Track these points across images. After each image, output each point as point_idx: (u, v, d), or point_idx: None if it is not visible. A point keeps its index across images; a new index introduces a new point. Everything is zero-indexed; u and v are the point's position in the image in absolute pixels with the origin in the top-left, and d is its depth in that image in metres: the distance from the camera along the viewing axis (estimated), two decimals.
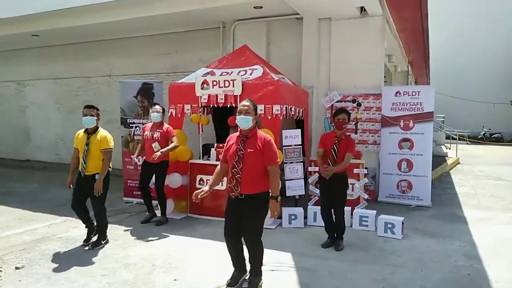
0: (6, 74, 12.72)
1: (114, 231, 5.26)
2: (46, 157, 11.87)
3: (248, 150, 3.33)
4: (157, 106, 5.76)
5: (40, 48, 11.67)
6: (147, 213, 5.80)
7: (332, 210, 4.70)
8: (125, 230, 5.33)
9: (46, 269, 3.97)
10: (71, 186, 4.59)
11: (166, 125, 5.70)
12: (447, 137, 17.74)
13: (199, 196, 3.37)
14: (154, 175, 5.66)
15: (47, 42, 11.11)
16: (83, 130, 4.63)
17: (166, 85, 7.10)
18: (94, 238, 4.73)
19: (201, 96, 6.05)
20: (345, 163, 4.53)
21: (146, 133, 5.67)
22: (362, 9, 7.16)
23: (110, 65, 10.74)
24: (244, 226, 3.40)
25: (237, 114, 3.44)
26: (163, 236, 5.10)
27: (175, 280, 3.75)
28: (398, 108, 7.07)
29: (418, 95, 6.97)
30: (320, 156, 4.71)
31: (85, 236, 4.81)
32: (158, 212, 5.84)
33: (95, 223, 4.77)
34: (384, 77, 7.94)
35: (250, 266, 3.55)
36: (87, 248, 4.59)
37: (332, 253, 4.52)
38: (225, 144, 3.59)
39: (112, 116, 8.47)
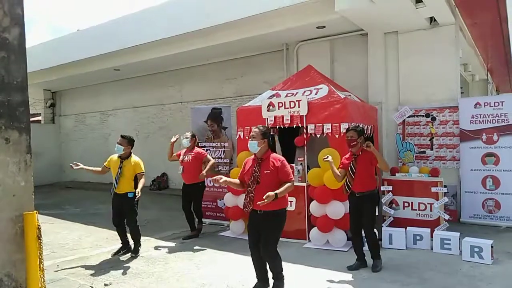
0: (93, 106, 14.18)
1: (189, 251, 5.48)
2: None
3: (265, 171, 3.71)
4: (187, 133, 6.27)
5: (120, 80, 12.89)
6: (191, 232, 6.21)
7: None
8: (199, 251, 5.52)
9: (130, 286, 4.24)
10: (73, 165, 5.37)
11: (197, 149, 6.21)
12: None
13: (217, 178, 3.72)
14: (191, 195, 6.13)
15: (126, 75, 12.24)
16: (116, 155, 5.34)
17: (234, 108, 7.38)
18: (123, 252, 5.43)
19: (267, 118, 6.17)
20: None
21: (181, 157, 6.14)
22: (432, 19, 6.85)
23: (181, 92, 11.47)
24: (262, 239, 3.73)
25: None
26: (235, 256, 5.19)
27: None
28: (479, 121, 6.53)
29: (502, 105, 6.39)
30: (341, 177, 4.63)
31: (170, 258, 5.18)
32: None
33: (130, 239, 5.45)
34: (461, 88, 7.42)
35: (272, 273, 3.82)
36: (129, 256, 5.28)
37: (411, 277, 4.23)
38: (243, 166, 3.99)
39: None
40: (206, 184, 6.39)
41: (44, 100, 15.38)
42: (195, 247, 5.64)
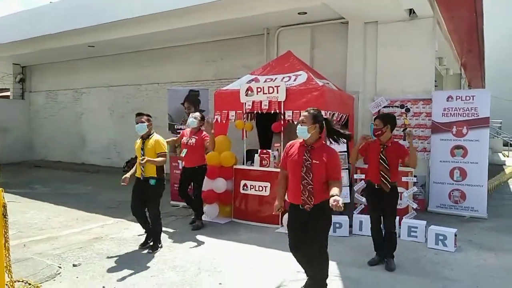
0: (65, 83, 13.69)
1: (162, 233, 5.44)
2: (99, 161, 12.59)
3: (314, 161, 3.21)
4: (196, 113, 5.91)
5: (94, 58, 12.45)
6: (195, 216, 5.93)
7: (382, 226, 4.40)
8: (171, 233, 5.50)
9: (100, 267, 4.19)
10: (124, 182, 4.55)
11: (203, 133, 5.77)
12: (505, 144, 16.58)
13: (277, 211, 3.43)
14: (192, 180, 5.82)
15: (101, 52, 11.83)
16: (139, 138, 4.81)
17: (211, 92, 7.28)
18: (151, 243, 4.86)
19: (245, 103, 6.12)
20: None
21: (184, 138, 5.84)
22: (411, 11, 6.92)
23: (158, 73, 11.21)
24: (308, 236, 3.30)
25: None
26: (208, 240, 5.21)
27: (220, 284, 3.81)
28: (450, 114, 6.72)
29: (473, 99, 6.59)
30: (355, 159, 4.53)
31: (141, 240, 5.00)
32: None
33: (152, 233, 4.88)
34: (435, 81, 7.60)
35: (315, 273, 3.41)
36: (146, 252, 4.71)
37: (379, 264, 4.37)
38: (284, 152, 3.49)
39: (160, 122, 8.80)
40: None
41: (13, 74, 14.68)
42: (167, 230, 5.61)
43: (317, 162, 3.21)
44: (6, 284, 3.38)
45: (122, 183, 4.50)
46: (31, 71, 14.89)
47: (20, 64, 14.64)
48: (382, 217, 4.38)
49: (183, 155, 5.77)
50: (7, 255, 3.38)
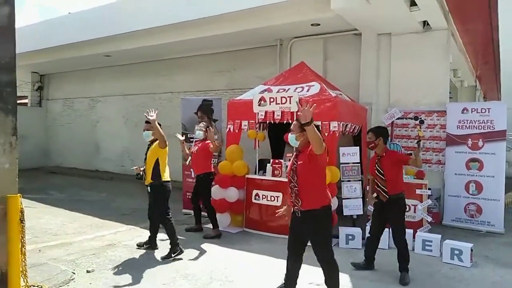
0: (82, 91, 13.97)
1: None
2: (113, 168, 12.74)
3: (299, 162, 3.32)
4: (201, 124, 6.11)
5: (110, 67, 12.70)
6: (195, 224, 6.10)
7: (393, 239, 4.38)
8: (183, 241, 5.48)
9: (113, 274, 4.22)
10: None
11: (206, 142, 5.90)
12: None
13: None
14: (198, 187, 5.97)
15: (116, 62, 12.07)
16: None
17: (224, 101, 7.35)
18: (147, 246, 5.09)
19: (258, 113, 6.16)
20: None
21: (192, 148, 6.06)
22: (425, 23, 6.92)
23: (172, 82, 11.37)
24: (311, 242, 3.38)
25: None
26: (220, 249, 5.21)
27: None
28: (466, 126, 6.64)
29: (489, 112, 6.51)
30: (372, 182, 4.50)
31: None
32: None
33: (167, 236, 4.92)
34: (450, 92, 7.53)
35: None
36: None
37: (391, 277, 4.30)
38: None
39: (173, 131, 8.90)
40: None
41: (32, 82, 15.06)
42: (180, 238, 5.62)
43: (301, 162, 3.29)
44: None
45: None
46: (48, 80, 15.26)
47: (38, 72, 15.02)
48: (382, 230, 4.50)
49: (188, 164, 6.06)
50: (23, 259, 3.44)
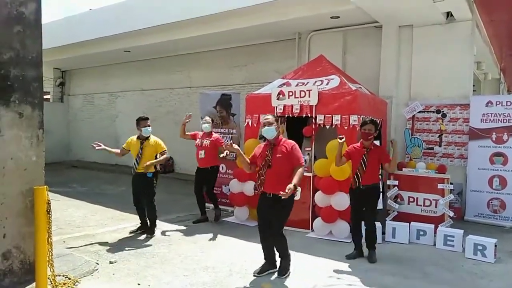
0: (101, 87, 14.22)
1: (193, 234, 5.55)
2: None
3: (277, 155, 3.86)
4: (207, 118, 6.29)
5: (129, 62, 12.87)
6: (200, 216, 6.25)
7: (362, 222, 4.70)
8: (202, 234, 5.57)
9: (135, 265, 4.31)
10: (95, 145, 5.44)
11: (215, 135, 6.25)
12: None
13: (234, 147, 4.05)
14: (205, 179, 6.16)
15: (135, 57, 12.23)
16: (135, 136, 5.45)
17: (243, 95, 7.36)
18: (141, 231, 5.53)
19: (276, 107, 6.14)
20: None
21: (197, 141, 6.17)
22: (449, 14, 6.74)
23: (190, 77, 11.45)
24: (272, 221, 3.95)
25: (261, 127, 4.08)
26: (239, 242, 5.25)
27: (252, 286, 3.82)
28: (490, 120, 6.47)
29: None
30: (341, 163, 4.70)
31: (172, 239, 5.28)
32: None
33: (148, 220, 5.49)
34: (473, 86, 7.34)
35: (279, 253, 4.09)
36: (143, 237, 5.35)
37: (413, 271, 4.26)
38: (254, 150, 4.16)
39: (192, 126, 8.97)
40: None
41: (54, 78, 15.43)
42: (199, 231, 5.70)
43: (280, 156, 3.88)
44: (48, 278, 3.53)
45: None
46: (70, 75, 15.59)
47: (60, 68, 15.37)
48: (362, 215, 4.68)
49: (202, 157, 6.10)
50: (50, 249, 3.54)
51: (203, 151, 6.09)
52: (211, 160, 6.11)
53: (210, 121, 6.24)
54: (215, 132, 7.17)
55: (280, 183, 3.75)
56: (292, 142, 4.03)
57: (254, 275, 4.01)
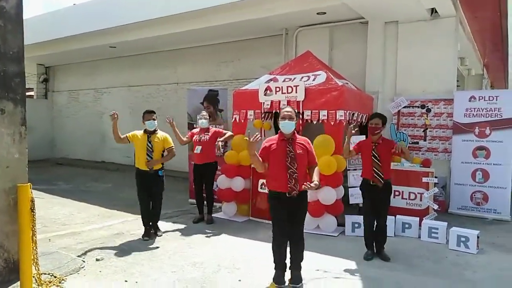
0: (87, 83, 14.00)
1: (181, 230, 5.53)
2: (118, 159, 12.82)
3: (298, 152, 3.56)
4: (203, 112, 6.20)
5: (115, 58, 12.69)
6: (198, 214, 6.12)
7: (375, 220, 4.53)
8: (190, 230, 5.56)
9: (122, 262, 4.28)
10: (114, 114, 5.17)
11: (213, 128, 6.15)
12: None
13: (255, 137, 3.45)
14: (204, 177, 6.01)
15: (121, 53, 12.06)
16: (140, 131, 5.25)
17: (230, 91, 7.34)
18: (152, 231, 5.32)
19: (264, 102, 6.15)
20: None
21: (195, 137, 6.04)
22: (433, 10, 6.83)
23: (177, 73, 11.36)
24: (296, 221, 3.64)
25: (280, 119, 3.62)
26: (227, 238, 5.25)
27: (239, 280, 3.84)
28: (473, 114, 6.60)
29: (496, 100, 6.45)
30: (349, 154, 4.69)
31: (163, 236, 5.24)
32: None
33: (154, 215, 5.34)
34: (457, 81, 7.47)
35: (296, 260, 3.69)
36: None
37: (399, 264, 4.33)
38: (263, 146, 3.68)
39: (179, 121, 8.92)
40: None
41: (37, 74, 15.12)
42: (187, 227, 5.69)
43: (301, 152, 3.58)
44: (33, 276, 3.49)
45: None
46: (54, 72, 15.30)
47: (44, 64, 15.06)
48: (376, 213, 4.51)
49: (198, 152, 5.93)
50: (34, 248, 3.50)
51: (200, 146, 5.93)
52: (210, 155, 5.96)
53: (208, 117, 6.13)
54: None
55: (301, 180, 3.52)
56: (306, 138, 3.76)
57: None
